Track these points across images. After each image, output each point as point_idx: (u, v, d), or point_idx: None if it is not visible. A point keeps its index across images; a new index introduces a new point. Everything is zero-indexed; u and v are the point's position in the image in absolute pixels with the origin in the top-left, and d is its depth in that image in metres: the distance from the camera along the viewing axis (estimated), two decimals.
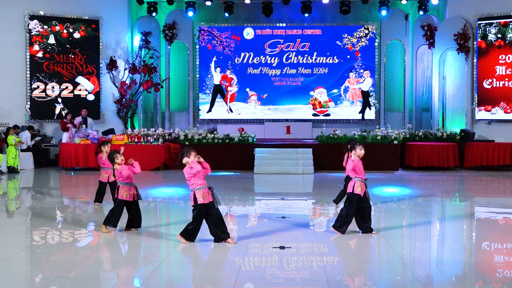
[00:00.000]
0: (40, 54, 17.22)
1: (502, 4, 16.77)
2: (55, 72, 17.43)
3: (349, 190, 7.06)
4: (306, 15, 18.67)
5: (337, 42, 19.12)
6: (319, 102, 19.14)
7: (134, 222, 7.22)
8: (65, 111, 17.26)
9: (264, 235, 7.02)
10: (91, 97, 17.85)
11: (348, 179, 8.88)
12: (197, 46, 19.29)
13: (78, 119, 16.54)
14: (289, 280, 5.23)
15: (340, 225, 7.02)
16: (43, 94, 17.30)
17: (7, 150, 14.82)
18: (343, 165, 9.00)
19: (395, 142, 15.51)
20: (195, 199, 6.36)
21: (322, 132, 16.08)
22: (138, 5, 18.80)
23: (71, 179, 13.88)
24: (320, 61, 19.19)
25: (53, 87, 17.40)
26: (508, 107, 16.61)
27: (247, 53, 19.31)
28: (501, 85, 16.78)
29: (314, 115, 19.11)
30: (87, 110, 16.86)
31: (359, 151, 7.13)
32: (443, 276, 5.53)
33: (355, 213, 7.02)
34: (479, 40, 17.06)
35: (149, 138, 15.71)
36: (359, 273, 5.58)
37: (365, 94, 19.03)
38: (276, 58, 19.28)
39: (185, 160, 6.43)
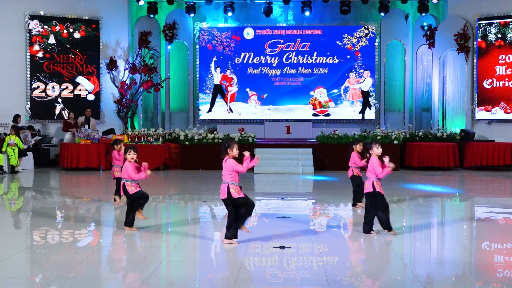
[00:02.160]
0: (40, 54, 17.22)
1: (502, 4, 16.77)
2: (55, 72, 17.43)
3: (369, 189, 6.94)
4: (307, 13, 18.64)
5: (337, 42, 19.12)
6: (319, 102, 19.14)
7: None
8: (66, 111, 17.27)
9: (264, 235, 7.02)
10: (91, 97, 17.84)
11: (356, 178, 8.87)
12: (197, 46, 19.29)
13: (81, 119, 16.57)
14: (289, 280, 5.23)
15: (370, 227, 7.00)
16: (43, 94, 17.30)
17: (7, 150, 14.82)
18: (349, 164, 8.98)
19: (395, 142, 15.51)
20: (229, 193, 6.35)
21: (322, 132, 16.09)
22: (138, 5, 18.79)
23: (71, 179, 13.88)
24: (320, 61, 19.19)
25: (53, 87, 17.40)
26: (508, 107, 16.60)
27: (247, 53, 19.31)
28: (501, 85, 16.78)
29: (314, 115, 19.11)
30: (90, 110, 16.86)
31: (376, 150, 6.99)
32: (443, 276, 5.53)
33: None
34: (479, 40, 17.06)
35: (149, 138, 15.72)
36: (359, 273, 5.59)
37: (365, 94, 19.02)
38: (276, 58, 19.27)
39: (231, 153, 6.42)
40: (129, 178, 7.05)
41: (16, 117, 16.01)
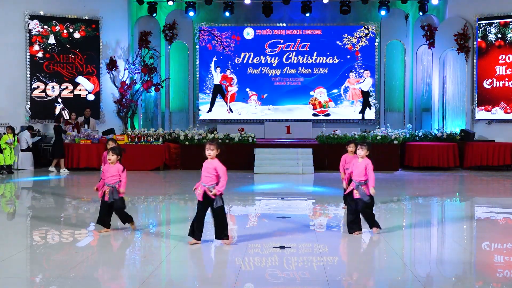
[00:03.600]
0: (40, 54, 17.22)
1: (502, 4, 16.77)
2: (55, 72, 17.43)
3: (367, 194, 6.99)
4: (308, 14, 18.64)
5: (337, 42, 19.12)
6: (319, 102, 19.13)
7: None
8: (66, 111, 17.25)
9: (264, 235, 7.02)
10: (91, 97, 17.84)
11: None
12: (197, 46, 19.29)
13: (80, 119, 16.57)
14: (289, 280, 5.23)
15: (374, 222, 7.04)
16: (43, 94, 17.30)
17: (3, 149, 14.85)
18: (339, 168, 8.93)
19: (395, 142, 15.52)
20: (222, 199, 6.35)
21: (322, 132, 16.09)
22: (138, 5, 18.79)
23: (72, 179, 13.87)
24: (320, 61, 19.19)
25: (53, 87, 17.40)
26: (508, 107, 16.60)
27: (247, 53, 19.31)
28: (501, 85, 16.78)
29: (314, 115, 19.11)
30: (90, 110, 16.87)
31: (361, 152, 7.10)
32: (443, 276, 5.53)
33: (359, 214, 7.08)
34: (479, 40, 17.06)
35: (149, 138, 15.71)
36: (359, 273, 5.59)
37: (365, 94, 19.02)
38: (276, 58, 19.27)
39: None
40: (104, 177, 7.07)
41: (59, 117, 15.98)
